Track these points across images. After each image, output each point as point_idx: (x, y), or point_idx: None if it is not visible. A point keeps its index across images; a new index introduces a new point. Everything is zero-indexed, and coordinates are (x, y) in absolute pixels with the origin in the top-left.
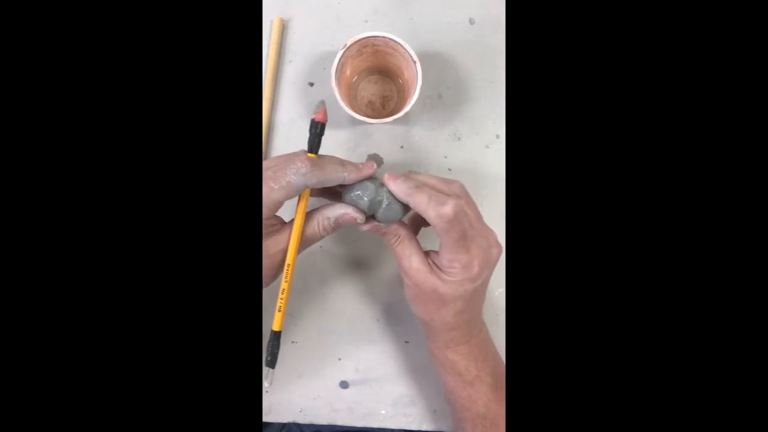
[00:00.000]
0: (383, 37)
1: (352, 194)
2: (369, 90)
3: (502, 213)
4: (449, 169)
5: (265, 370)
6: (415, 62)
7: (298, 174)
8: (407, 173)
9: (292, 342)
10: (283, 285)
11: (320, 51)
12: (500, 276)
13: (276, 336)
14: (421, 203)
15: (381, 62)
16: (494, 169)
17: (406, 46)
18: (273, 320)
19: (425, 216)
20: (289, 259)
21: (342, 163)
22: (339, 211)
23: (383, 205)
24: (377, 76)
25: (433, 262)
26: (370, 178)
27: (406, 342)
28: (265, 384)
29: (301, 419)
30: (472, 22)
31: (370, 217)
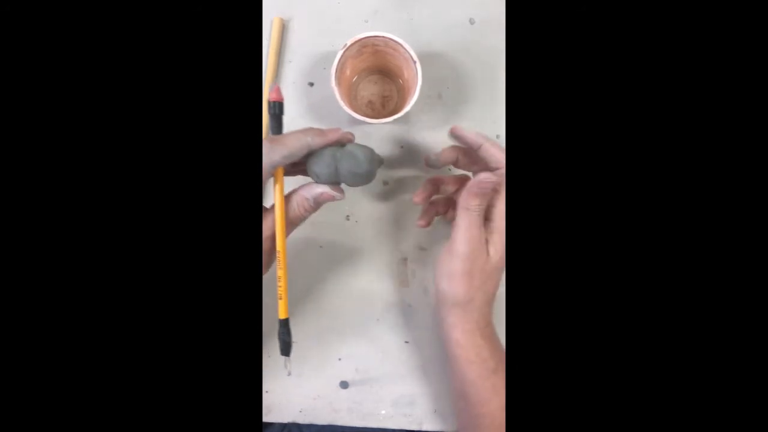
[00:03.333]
0: (383, 37)
1: (311, 172)
2: (369, 90)
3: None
4: (449, 169)
5: (282, 358)
6: (415, 62)
7: (264, 156)
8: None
9: (293, 342)
10: (279, 272)
11: (320, 51)
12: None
13: (284, 323)
14: (493, 146)
15: (381, 62)
16: None
17: (406, 46)
18: (278, 310)
19: (494, 159)
20: (279, 246)
21: (304, 131)
22: (317, 190)
23: (342, 163)
24: (377, 76)
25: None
26: (336, 143)
27: (406, 342)
28: (286, 373)
29: (301, 419)
30: (472, 22)
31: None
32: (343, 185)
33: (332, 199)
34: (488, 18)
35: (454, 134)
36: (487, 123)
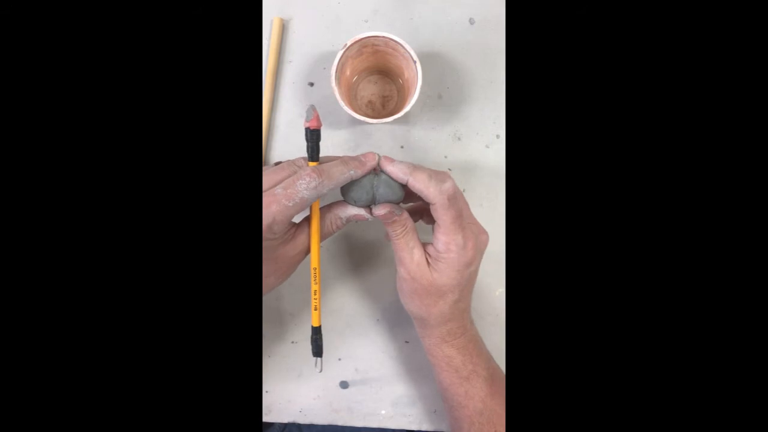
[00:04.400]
0: (383, 37)
1: (350, 197)
2: (369, 90)
3: (502, 213)
4: (449, 169)
5: (314, 359)
6: (415, 62)
7: (309, 189)
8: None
9: (292, 342)
10: (314, 287)
11: (320, 51)
12: (500, 276)
13: (316, 331)
14: (422, 180)
15: (381, 62)
16: (494, 169)
17: (406, 46)
18: (311, 318)
19: (425, 193)
20: (314, 263)
21: (345, 162)
22: (352, 212)
23: (380, 191)
24: (377, 76)
25: (428, 254)
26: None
27: (406, 342)
28: (316, 370)
29: (301, 419)
30: (472, 22)
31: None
32: None
33: (364, 220)
34: (488, 18)
35: (382, 167)
36: (487, 123)
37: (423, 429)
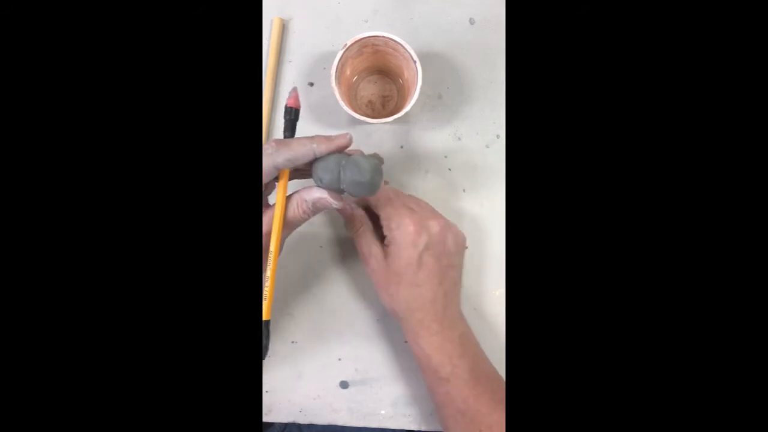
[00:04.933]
0: (383, 37)
1: (315, 176)
2: (369, 90)
3: (502, 213)
4: (449, 169)
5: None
6: (415, 62)
7: (266, 155)
8: None
9: (292, 342)
10: (267, 273)
11: (320, 51)
12: (500, 276)
13: (265, 325)
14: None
15: (381, 62)
16: (494, 169)
17: (406, 46)
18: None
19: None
20: (271, 246)
21: (311, 137)
22: (315, 195)
23: (347, 172)
24: (377, 76)
25: (384, 245)
26: (343, 151)
27: (406, 342)
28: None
29: (301, 419)
30: (472, 22)
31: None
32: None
33: (329, 205)
34: (488, 18)
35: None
36: (487, 123)
37: (423, 429)
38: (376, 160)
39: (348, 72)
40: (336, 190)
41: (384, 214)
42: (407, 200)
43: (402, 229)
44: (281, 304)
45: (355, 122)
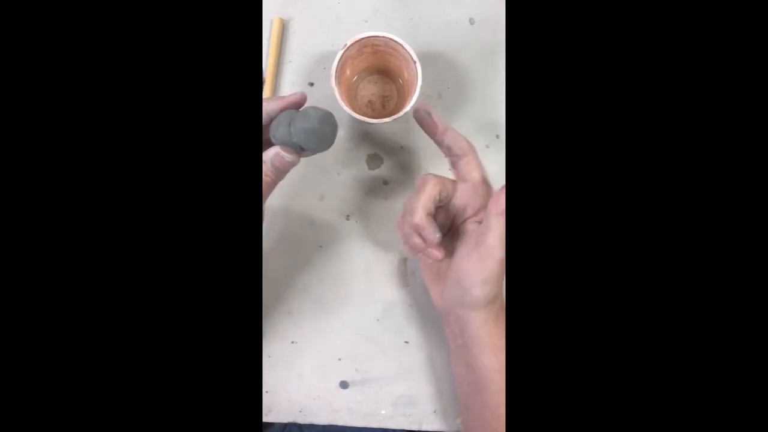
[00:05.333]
0: (383, 37)
1: (271, 134)
2: (369, 90)
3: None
4: (449, 169)
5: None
6: (415, 62)
7: None
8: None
9: (292, 342)
10: None
11: (320, 51)
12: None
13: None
14: (457, 133)
15: (381, 62)
16: (494, 169)
17: (406, 46)
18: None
19: (458, 145)
20: None
21: (266, 100)
22: (270, 153)
23: (296, 123)
24: (377, 76)
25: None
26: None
27: (406, 342)
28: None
29: (301, 419)
30: (472, 22)
31: (299, 149)
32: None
33: (286, 162)
34: (488, 18)
35: (420, 114)
36: (487, 123)
37: (423, 429)
38: (329, 111)
39: (348, 72)
40: (290, 145)
41: (471, 168)
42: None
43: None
44: (281, 304)
45: (355, 122)
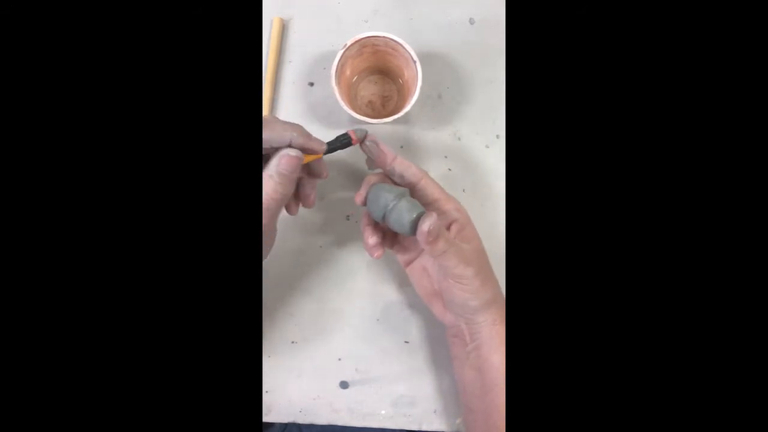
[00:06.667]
0: (383, 37)
1: (368, 200)
2: (369, 90)
3: (503, 213)
4: (449, 169)
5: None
6: (415, 62)
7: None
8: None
9: (292, 342)
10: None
11: (320, 51)
12: (500, 276)
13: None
14: (404, 162)
15: (381, 62)
16: (494, 169)
17: (406, 46)
18: None
19: (409, 172)
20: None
21: (294, 126)
22: (272, 166)
23: (391, 219)
24: (377, 76)
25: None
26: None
27: (406, 342)
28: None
29: (301, 419)
30: (472, 22)
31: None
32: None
33: (293, 162)
34: (488, 18)
35: (367, 145)
36: (487, 123)
37: (423, 429)
38: (420, 209)
39: (348, 72)
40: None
41: (440, 196)
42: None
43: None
44: (281, 304)
45: (355, 122)
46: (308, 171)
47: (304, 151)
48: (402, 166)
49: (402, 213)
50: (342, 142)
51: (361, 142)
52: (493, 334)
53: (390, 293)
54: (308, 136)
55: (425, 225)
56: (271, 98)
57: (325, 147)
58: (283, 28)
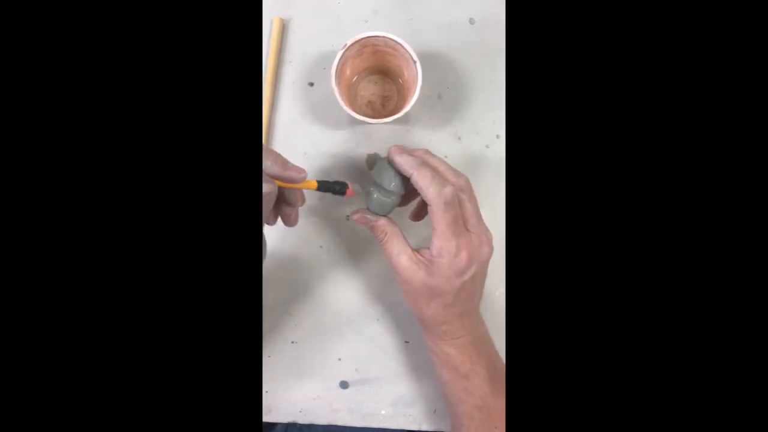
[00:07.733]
0: (383, 37)
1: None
2: (369, 90)
3: (503, 213)
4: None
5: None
6: (415, 62)
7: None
8: (423, 151)
9: (292, 342)
10: None
11: (320, 51)
12: (500, 276)
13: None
14: (424, 178)
15: (381, 62)
16: (494, 170)
17: (406, 46)
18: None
19: (424, 193)
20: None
21: (267, 152)
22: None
23: (372, 197)
24: (377, 76)
25: (422, 257)
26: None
27: (406, 342)
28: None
29: (301, 419)
30: (472, 22)
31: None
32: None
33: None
34: (488, 18)
35: (390, 157)
36: (487, 123)
37: (423, 429)
38: (385, 202)
39: (348, 72)
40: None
41: (439, 232)
42: (471, 215)
43: (453, 260)
44: (281, 304)
45: (355, 122)
46: (282, 198)
47: (280, 179)
48: (399, 161)
49: (373, 204)
50: (336, 189)
51: (352, 206)
52: (434, 348)
53: (390, 293)
54: (284, 164)
55: (355, 215)
56: (271, 98)
57: (304, 175)
58: (283, 28)
